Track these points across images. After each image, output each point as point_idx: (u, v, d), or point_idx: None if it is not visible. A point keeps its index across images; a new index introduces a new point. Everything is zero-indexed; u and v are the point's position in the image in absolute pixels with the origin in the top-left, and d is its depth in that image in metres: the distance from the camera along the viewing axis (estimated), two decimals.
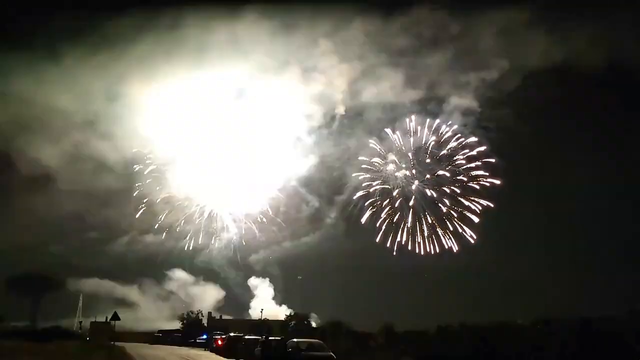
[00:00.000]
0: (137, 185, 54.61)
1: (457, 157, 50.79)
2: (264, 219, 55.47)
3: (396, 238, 51.42)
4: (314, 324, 52.33)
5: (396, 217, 51.93)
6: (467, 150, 50.34)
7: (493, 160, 49.23)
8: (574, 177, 47.95)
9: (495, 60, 50.89)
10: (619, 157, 48.11)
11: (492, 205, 48.96)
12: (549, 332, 28.13)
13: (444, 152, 51.11)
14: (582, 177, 47.05)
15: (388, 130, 52.43)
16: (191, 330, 57.67)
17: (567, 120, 50.61)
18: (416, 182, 51.85)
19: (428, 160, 51.62)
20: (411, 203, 51.77)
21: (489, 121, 50.06)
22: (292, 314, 55.11)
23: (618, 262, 48.66)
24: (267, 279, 59.83)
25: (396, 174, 52.43)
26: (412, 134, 51.70)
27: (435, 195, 51.21)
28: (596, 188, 46.60)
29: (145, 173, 54.46)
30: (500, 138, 49.19)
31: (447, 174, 50.90)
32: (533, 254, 54.02)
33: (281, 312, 57.53)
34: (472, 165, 50.00)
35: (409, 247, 51.36)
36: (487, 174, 49.32)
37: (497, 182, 48.95)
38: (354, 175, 53.34)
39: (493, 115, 49.98)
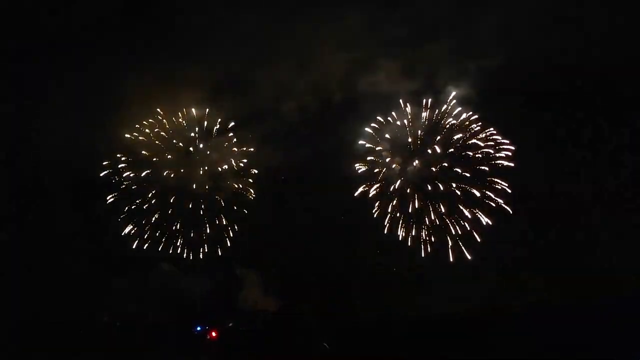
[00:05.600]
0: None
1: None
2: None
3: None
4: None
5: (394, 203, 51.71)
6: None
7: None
8: (578, 171, 47.96)
9: (497, 49, 50.16)
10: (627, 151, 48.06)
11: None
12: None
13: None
14: (586, 171, 47.04)
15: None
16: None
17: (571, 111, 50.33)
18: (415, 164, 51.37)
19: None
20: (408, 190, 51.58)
21: (488, 111, 49.81)
22: (283, 304, 54.74)
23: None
24: (255, 269, 59.43)
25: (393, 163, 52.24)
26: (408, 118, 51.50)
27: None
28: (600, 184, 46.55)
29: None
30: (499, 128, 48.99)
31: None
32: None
33: (270, 302, 57.21)
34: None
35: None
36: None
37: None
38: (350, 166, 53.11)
39: (493, 106, 49.77)
